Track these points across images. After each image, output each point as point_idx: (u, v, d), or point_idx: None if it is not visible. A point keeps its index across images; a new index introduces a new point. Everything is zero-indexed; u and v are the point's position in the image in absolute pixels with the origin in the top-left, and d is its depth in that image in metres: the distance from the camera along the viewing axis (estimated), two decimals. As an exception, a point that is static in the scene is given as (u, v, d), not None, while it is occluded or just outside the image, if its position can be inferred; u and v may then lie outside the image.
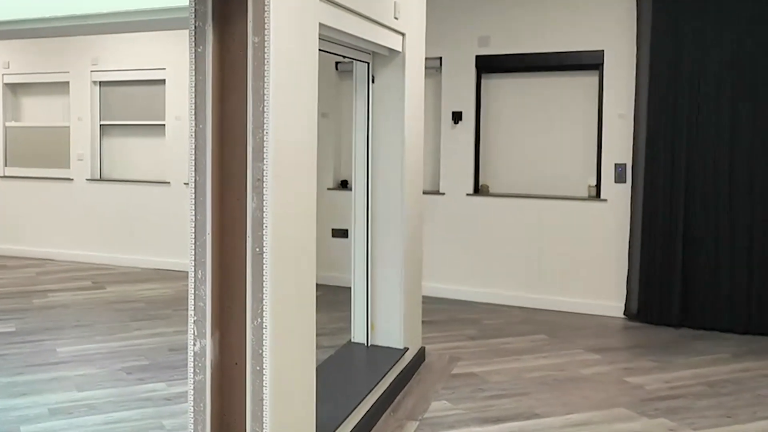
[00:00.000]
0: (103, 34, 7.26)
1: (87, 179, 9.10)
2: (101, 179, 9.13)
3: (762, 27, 6.14)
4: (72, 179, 9.18)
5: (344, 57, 4.55)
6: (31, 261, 9.07)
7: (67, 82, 9.23)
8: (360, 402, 3.97)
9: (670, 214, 6.41)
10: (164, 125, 8.78)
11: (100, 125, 9.18)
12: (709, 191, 6.31)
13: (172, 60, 8.53)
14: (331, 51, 4.19)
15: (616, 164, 6.77)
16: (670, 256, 6.41)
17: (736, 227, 6.24)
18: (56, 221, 9.23)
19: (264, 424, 2.90)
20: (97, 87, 9.16)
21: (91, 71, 9.08)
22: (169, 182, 8.64)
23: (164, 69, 8.68)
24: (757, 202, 6.19)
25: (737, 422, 4.34)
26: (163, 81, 8.75)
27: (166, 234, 8.52)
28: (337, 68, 7.98)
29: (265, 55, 2.90)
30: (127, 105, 9.14)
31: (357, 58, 4.73)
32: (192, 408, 2.96)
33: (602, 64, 6.85)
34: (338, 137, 8.08)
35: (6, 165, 9.63)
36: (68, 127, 9.25)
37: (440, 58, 7.46)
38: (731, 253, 6.25)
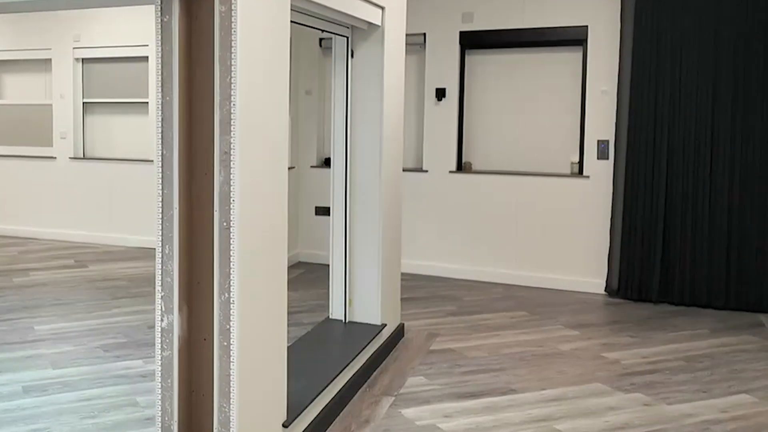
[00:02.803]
0: (82, 8, 7.14)
1: (70, 157, 8.99)
2: (84, 157, 9.03)
3: (746, 2, 6.08)
4: (55, 157, 9.07)
5: (321, 30, 4.47)
6: (13, 240, 8.98)
7: (50, 59, 9.09)
8: (335, 378, 3.93)
9: (652, 190, 6.38)
10: (148, 103, 8.67)
11: (83, 103, 9.06)
12: (690, 169, 6.28)
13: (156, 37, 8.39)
14: (306, 24, 4.11)
15: (598, 141, 6.73)
16: (651, 232, 6.40)
17: (715, 205, 6.22)
18: (39, 200, 9.13)
19: (231, 401, 2.86)
20: (80, 64, 9.02)
21: (74, 48, 8.93)
22: (152, 160, 8.55)
23: (147, 46, 8.54)
24: (736, 180, 6.17)
25: (711, 397, 4.34)
26: (146, 58, 8.62)
27: (148, 212, 8.43)
28: (321, 45, 7.88)
29: (233, 25, 2.84)
30: (111, 82, 9.01)
31: (335, 32, 4.65)
32: (160, 384, 2.92)
33: (586, 39, 6.78)
34: (322, 114, 8.00)
35: (-12, 143, 9.55)
36: (50, 104, 9.12)
37: (424, 34, 7.37)
38: (711, 229, 6.24)
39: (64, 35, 8.93)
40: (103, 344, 5.11)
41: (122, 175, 8.75)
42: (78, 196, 8.93)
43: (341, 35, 4.76)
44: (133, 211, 8.62)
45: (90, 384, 4.36)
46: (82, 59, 9.01)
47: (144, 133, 8.72)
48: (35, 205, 9.14)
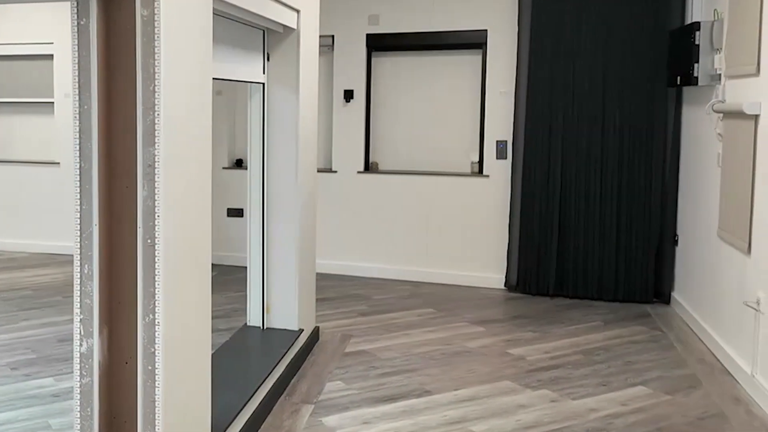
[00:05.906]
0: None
1: (-32, 159, 8.18)
2: (-17, 159, 8.23)
3: (637, 6, 6.08)
4: (-49, 159, 8.21)
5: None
6: None
7: (-56, 56, 8.22)
8: (256, 390, 3.64)
9: (547, 189, 6.35)
10: (53, 103, 7.97)
11: (-19, 102, 8.26)
12: (583, 168, 6.27)
13: (61, 34, 7.69)
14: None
15: (497, 141, 6.65)
16: (547, 229, 6.37)
17: (605, 204, 6.25)
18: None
19: (156, 427, 2.53)
20: (-22, 61, 8.23)
21: (-29, 44, 8.13)
22: (58, 163, 7.89)
23: (52, 43, 7.85)
24: (624, 181, 6.21)
25: (611, 390, 4.30)
26: (51, 56, 7.91)
27: (55, 216, 7.71)
28: (229, 47, 7.45)
29: (156, 30, 2.49)
30: (12, 81, 8.21)
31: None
32: (79, 413, 2.55)
33: (485, 43, 6.68)
34: (233, 115, 7.59)
35: None
36: (-55, 103, 8.26)
37: (332, 36, 7.08)
38: (601, 227, 6.27)
39: (-40, 31, 8.09)
40: (11, 361, 4.57)
41: (26, 178, 8.00)
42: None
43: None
44: (37, 215, 7.89)
45: (-1, 407, 3.89)
46: (-19, 56, 8.21)
47: (49, 134, 8.02)
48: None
